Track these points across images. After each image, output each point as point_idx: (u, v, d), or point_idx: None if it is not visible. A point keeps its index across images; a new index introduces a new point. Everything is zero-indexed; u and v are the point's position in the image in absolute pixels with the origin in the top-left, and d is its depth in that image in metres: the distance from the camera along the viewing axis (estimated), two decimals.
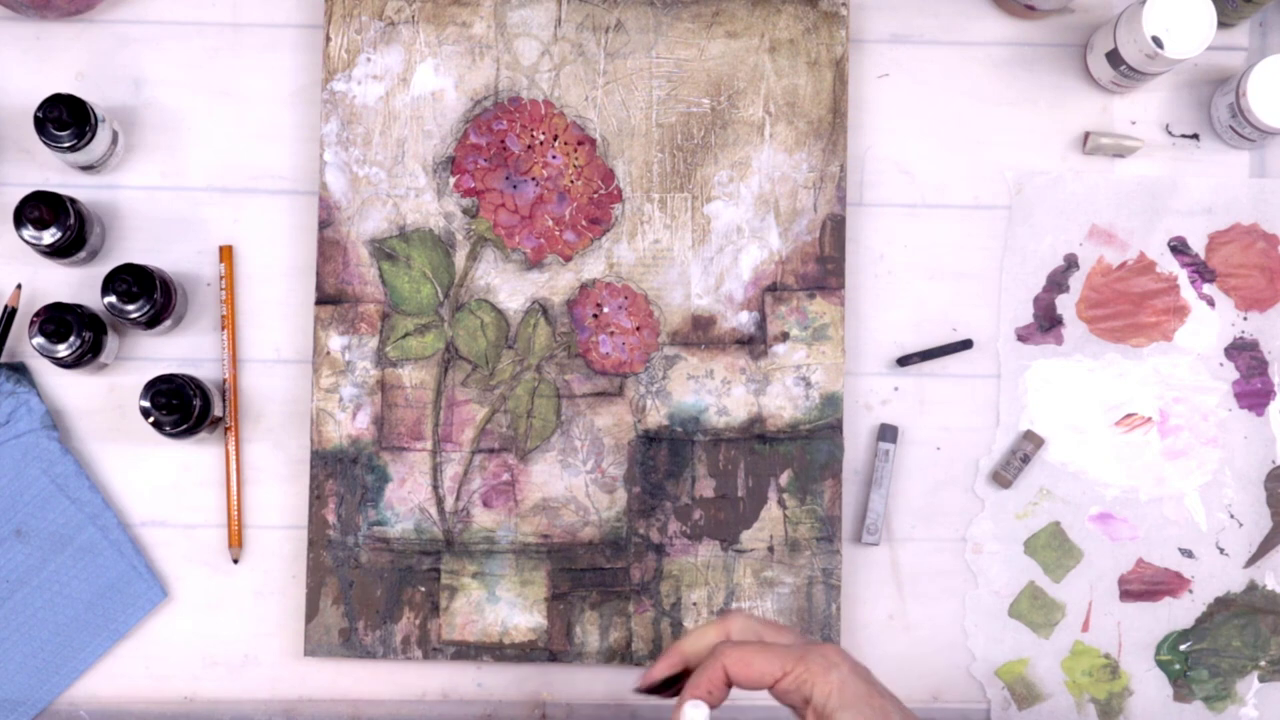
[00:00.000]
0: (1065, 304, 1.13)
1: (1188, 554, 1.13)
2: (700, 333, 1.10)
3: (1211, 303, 1.14)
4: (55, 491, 1.09)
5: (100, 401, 1.10)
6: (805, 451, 1.10)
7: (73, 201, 1.06)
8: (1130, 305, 1.13)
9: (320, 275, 1.09)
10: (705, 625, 0.91)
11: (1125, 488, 1.13)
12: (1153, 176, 1.14)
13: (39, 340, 1.05)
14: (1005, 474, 1.12)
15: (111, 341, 1.08)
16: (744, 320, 1.11)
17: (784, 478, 1.09)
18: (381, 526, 1.08)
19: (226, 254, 1.11)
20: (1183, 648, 1.12)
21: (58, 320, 1.05)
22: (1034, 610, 1.12)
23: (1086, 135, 1.14)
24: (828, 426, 1.10)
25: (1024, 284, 1.13)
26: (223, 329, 1.11)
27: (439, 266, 1.10)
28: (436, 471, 1.09)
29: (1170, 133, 1.15)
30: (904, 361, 1.13)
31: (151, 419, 1.04)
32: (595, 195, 1.10)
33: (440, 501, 1.09)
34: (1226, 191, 1.14)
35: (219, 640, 1.10)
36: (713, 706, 0.87)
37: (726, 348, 1.10)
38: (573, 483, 1.09)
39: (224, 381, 1.11)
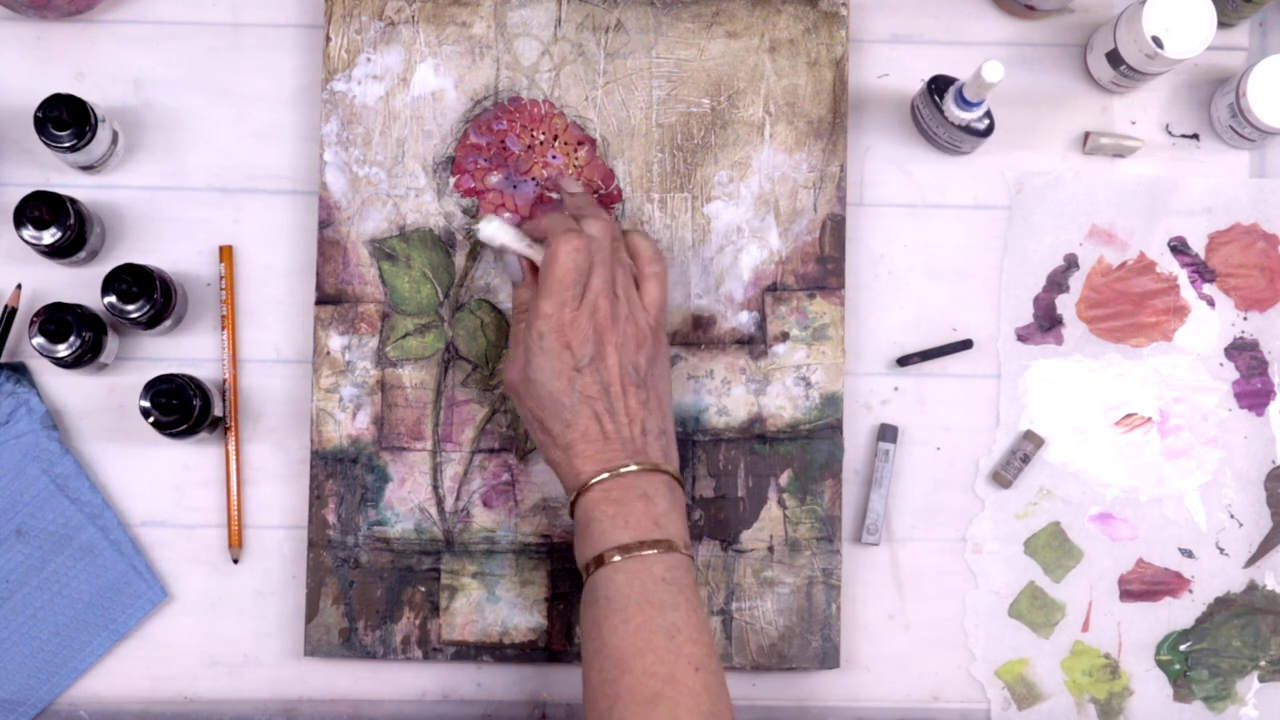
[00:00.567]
0: (1065, 304, 1.13)
1: (1188, 554, 1.12)
2: (700, 333, 1.10)
3: (1211, 303, 1.14)
4: (55, 491, 1.09)
5: (100, 401, 1.10)
6: (805, 451, 1.10)
7: (73, 201, 1.06)
8: (1130, 305, 1.13)
9: (320, 275, 1.09)
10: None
11: (1125, 488, 1.13)
12: (1153, 176, 1.14)
13: (39, 340, 1.05)
14: (1005, 474, 1.12)
15: (111, 341, 1.08)
16: (744, 320, 1.10)
17: (784, 478, 1.09)
18: (381, 526, 1.08)
19: (226, 254, 1.11)
20: (1183, 648, 1.12)
21: (58, 320, 1.05)
22: (1034, 610, 1.12)
23: (1086, 135, 1.14)
24: (828, 426, 1.10)
25: (1024, 284, 1.13)
26: (223, 329, 1.11)
27: (439, 266, 1.10)
28: (436, 471, 1.09)
29: (1170, 133, 1.15)
30: (904, 361, 1.13)
31: (151, 419, 1.04)
32: (595, 195, 1.10)
33: (440, 501, 1.09)
34: (1226, 191, 1.14)
35: (219, 640, 1.10)
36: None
37: (726, 348, 1.10)
38: None
39: (224, 381, 1.10)
